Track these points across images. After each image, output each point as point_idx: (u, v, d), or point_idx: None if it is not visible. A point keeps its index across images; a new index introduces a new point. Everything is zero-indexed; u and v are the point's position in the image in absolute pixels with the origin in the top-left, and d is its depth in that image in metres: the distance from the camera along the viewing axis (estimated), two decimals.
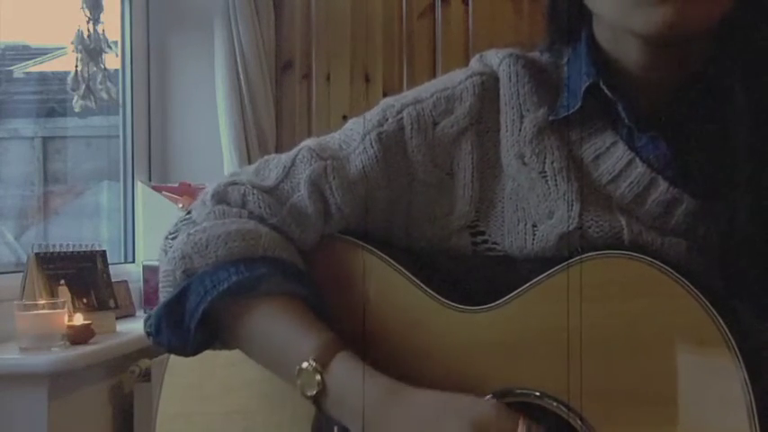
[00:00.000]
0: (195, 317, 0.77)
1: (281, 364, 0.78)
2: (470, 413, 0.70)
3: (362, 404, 0.73)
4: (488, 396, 0.74)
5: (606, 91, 0.76)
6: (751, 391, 0.64)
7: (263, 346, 0.79)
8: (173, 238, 0.83)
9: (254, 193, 0.82)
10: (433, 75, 2.67)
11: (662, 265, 0.69)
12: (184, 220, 0.85)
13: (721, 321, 0.66)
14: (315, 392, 0.74)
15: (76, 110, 2.36)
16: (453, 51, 2.71)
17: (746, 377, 0.64)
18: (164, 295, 0.81)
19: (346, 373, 0.74)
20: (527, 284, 0.74)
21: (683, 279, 0.68)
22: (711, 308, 0.66)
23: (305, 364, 0.74)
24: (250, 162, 2.50)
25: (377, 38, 2.76)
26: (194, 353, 0.81)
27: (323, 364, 0.74)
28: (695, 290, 0.67)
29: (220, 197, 0.83)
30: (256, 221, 0.81)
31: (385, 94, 2.72)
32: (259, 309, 0.78)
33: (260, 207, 0.82)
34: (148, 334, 0.82)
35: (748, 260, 0.71)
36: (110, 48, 2.42)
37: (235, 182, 0.84)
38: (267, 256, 0.79)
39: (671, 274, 0.68)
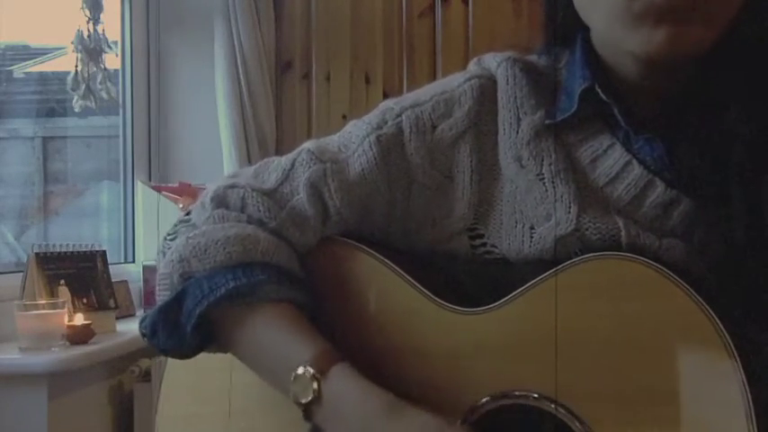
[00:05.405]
0: (191, 320, 0.77)
1: (275, 371, 0.77)
2: None
3: (357, 417, 0.72)
4: (486, 398, 0.74)
5: (601, 94, 0.76)
6: (749, 392, 0.64)
7: (257, 352, 0.79)
8: (171, 240, 0.83)
9: (253, 197, 0.82)
10: (433, 75, 2.72)
11: (659, 266, 0.69)
12: (183, 222, 0.85)
13: (719, 322, 0.66)
14: (309, 399, 0.73)
15: (76, 110, 2.36)
16: (453, 51, 2.71)
17: (744, 378, 0.64)
18: (161, 298, 0.81)
19: (344, 382, 0.73)
20: (525, 286, 0.74)
21: (681, 280, 0.68)
22: (709, 309, 0.67)
23: (301, 370, 0.73)
24: (250, 162, 2.50)
25: (377, 38, 2.76)
26: (189, 355, 0.82)
27: (320, 372, 0.73)
28: (692, 291, 0.67)
29: (220, 200, 0.83)
30: (255, 226, 0.81)
31: (385, 95, 2.72)
32: (256, 315, 0.78)
33: (259, 210, 0.81)
34: (143, 335, 0.81)
35: (745, 262, 0.71)
36: (110, 48, 2.42)
37: (234, 185, 0.83)
38: (265, 262, 0.78)
39: (669, 275, 0.69)
